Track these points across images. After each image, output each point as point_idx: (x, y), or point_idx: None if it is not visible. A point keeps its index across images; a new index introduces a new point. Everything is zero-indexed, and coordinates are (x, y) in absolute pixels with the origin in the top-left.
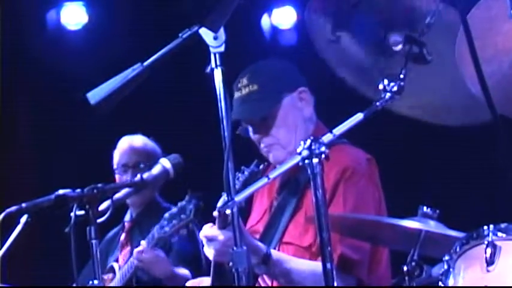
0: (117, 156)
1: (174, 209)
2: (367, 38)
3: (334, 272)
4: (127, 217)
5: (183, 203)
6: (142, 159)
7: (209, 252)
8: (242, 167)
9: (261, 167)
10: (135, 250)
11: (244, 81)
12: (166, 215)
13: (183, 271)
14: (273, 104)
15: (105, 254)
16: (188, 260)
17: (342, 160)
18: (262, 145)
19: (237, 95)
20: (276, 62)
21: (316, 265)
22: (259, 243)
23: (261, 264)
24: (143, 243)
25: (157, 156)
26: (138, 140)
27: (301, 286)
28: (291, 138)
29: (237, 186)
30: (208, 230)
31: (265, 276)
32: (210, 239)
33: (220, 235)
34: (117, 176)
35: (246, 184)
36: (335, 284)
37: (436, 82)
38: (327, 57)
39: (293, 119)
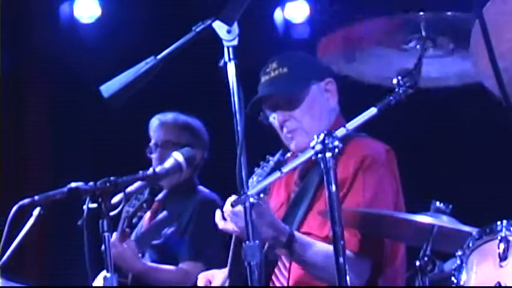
0: (151, 135)
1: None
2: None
3: (353, 257)
4: (159, 196)
5: (144, 182)
6: (173, 136)
7: (232, 226)
8: (267, 156)
9: (287, 156)
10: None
11: (274, 65)
12: (134, 195)
13: (165, 266)
14: (302, 86)
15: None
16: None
17: (361, 150)
18: (285, 130)
19: (264, 78)
20: (306, 54)
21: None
22: (283, 224)
23: (284, 245)
24: (114, 235)
25: (193, 129)
26: (169, 115)
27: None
28: (314, 125)
29: (262, 176)
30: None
31: (281, 267)
32: (236, 214)
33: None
34: (152, 156)
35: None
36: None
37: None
38: (347, 74)
39: (319, 107)
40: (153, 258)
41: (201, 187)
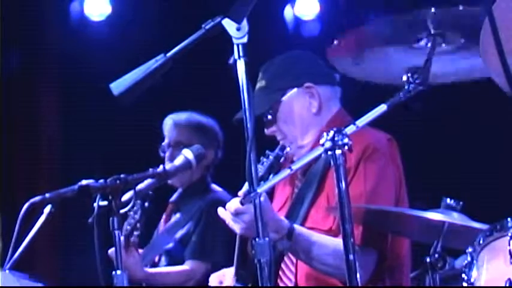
0: (164, 134)
1: (135, 207)
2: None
3: (357, 250)
4: (173, 197)
5: (138, 202)
6: (184, 137)
7: (236, 226)
8: (266, 151)
9: (285, 151)
10: None
11: (260, 74)
12: (131, 212)
13: (175, 268)
14: (272, 100)
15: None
16: None
17: (362, 140)
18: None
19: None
20: (289, 57)
21: (339, 242)
22: (283, 218)
23: (285, 239)
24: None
25: (206, 130)
26: (182, 116)
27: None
28: (296, 133)
29: (262, 171)
30: (236, 204)
31: (288, 263)
32: (239, 213)
33: (250, 209)
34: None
35: (271, 168)
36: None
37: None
38: (355, 76)
39: (299, 114)
40: (168, 262)
41: (214, 186)
